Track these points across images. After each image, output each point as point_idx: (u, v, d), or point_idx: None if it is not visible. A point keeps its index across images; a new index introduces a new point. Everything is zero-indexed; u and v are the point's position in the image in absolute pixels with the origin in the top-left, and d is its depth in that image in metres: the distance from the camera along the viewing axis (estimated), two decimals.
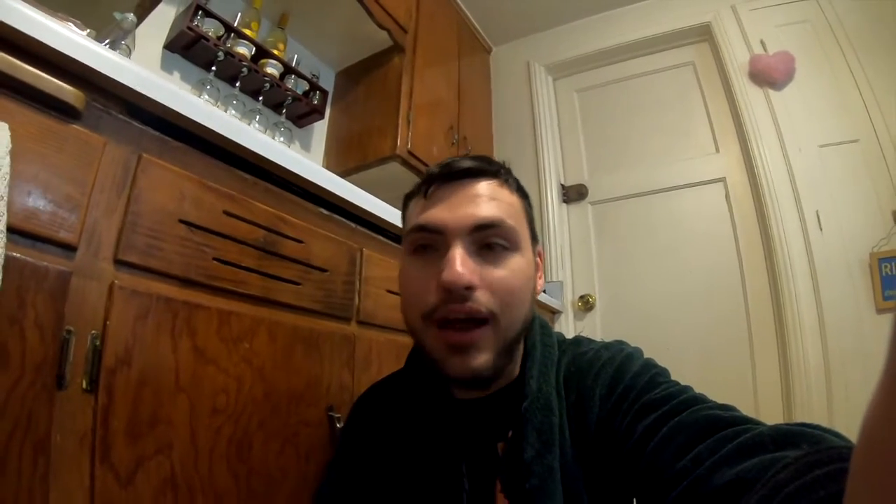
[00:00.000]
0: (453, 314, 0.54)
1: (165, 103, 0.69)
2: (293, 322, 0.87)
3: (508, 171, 0.65)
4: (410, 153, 2.00)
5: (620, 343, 0.63)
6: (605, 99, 2.62)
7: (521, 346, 0.63)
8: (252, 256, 0.81)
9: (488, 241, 0.57)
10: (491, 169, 0.62)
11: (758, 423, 0.42)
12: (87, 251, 0.60)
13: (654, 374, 0.55)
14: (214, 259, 0.75)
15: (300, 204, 0.94)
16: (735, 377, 1.95)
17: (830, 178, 1.98)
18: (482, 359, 0.55)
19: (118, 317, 0.61)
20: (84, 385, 0.57)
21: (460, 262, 0.54)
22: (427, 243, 0.59)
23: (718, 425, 0.42)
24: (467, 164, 0.61)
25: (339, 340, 0.95)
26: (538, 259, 0.66)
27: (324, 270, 0.95)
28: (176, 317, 0.68)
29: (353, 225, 1.07)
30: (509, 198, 0.62)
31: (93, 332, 0.58)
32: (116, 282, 0.62)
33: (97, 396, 0.57)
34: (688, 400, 0.48)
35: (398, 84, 2.07)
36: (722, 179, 2.21)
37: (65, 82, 0.59)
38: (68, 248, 0.58)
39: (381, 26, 1.97)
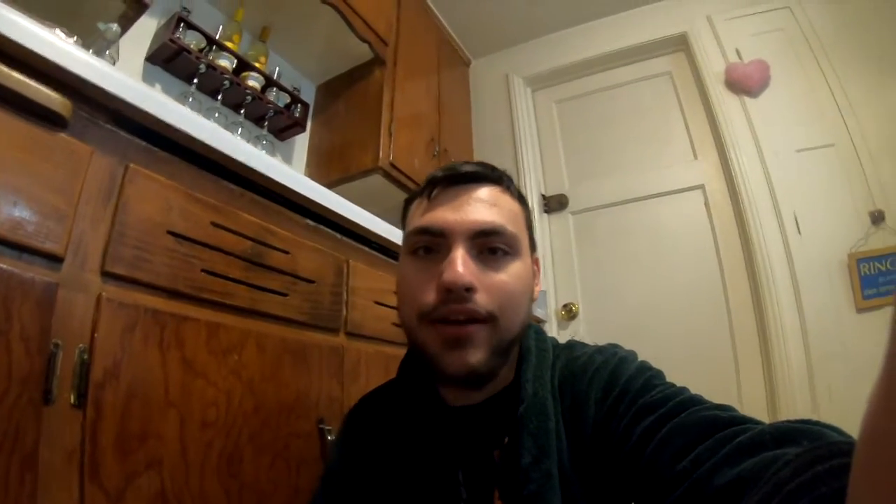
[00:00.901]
0: (452, 315, 0.54)
1: (153, 112, 0.68)
2: (281, 334, 0.86)
3: (510, 179, 0.65)
4: (392, 165, 1.99)
5: (614, 346, 0.63)
6: (584, 109, 2.66)
7: (517, 351, 0.63)
8: (239, 268, 0.80)
9: (490, 245, 0.58)
10: (494, 175, 0.63)
11: (757, 422, 0.42)
12: (74, 262, 0.59)
13: (649, 377, 0.55)
14: (202, 270, 0.74)
15: (286, 215, 0.94)
16: (719, 382, 1.97)
17: (807, 182, 2.03)
18: (478, 355, 0.54)
19: (106, 329, 0.60)
20: (72, 400, 0.55)
21: (461, 264, 0.54)
22: (428, 245, 0.59)
23: (717, 426, 0.42)
24: (471, 168, 0.61)
25: (327, 352, 0.94)
26: (535, 266, 0.66)
27: (310, 281, 0.94)
28: (164, 329, 0.67)
29: (338, 236, 1.07)
30: (511, 204, 0.62)
31: (80, 345, 0.57)
32: (104, 294, 0.61)
33: (85, 411, 0.56)
34: (685, 401, 0.48)
35: (379, 96, 2.07)
36: (701, 186, 2.25)
37: (51, 90, 0.58)
38: (55, 260, 0.57)
39: (361, 39, 1.98)
